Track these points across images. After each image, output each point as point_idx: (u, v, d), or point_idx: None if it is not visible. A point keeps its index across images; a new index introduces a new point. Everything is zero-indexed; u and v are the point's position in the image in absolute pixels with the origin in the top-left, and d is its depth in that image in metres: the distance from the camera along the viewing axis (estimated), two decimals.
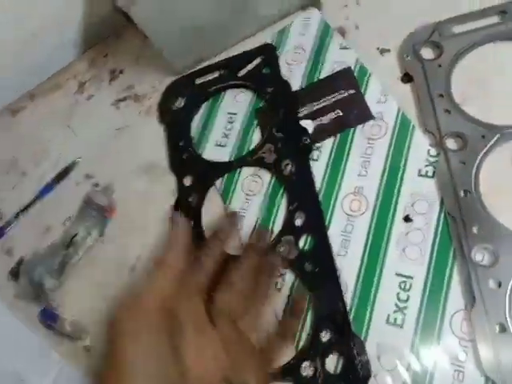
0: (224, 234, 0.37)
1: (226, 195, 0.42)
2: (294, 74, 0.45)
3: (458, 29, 0.41)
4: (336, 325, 0.34)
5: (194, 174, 0.44)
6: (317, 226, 0.38)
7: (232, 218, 0.40)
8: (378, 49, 0.44)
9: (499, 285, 0.32)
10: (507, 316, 0.31)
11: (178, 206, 0.43)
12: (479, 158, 0.36)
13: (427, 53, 0.42)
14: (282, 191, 0.41)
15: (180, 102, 0.48)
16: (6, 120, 0.57)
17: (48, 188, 0.49)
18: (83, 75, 0.57)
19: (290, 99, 0.44)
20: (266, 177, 0.42)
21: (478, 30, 0.41)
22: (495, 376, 0.30)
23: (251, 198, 0.41)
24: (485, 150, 0.36)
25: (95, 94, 0.55)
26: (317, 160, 0.41)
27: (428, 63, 0.41)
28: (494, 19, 0.41)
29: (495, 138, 0.36)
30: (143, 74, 0.53)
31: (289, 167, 0.41)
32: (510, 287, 0.32)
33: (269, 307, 0.36)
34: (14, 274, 0.44)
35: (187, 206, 0.42)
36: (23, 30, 0.54)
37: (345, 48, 0.45)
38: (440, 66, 0.40)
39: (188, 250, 0.33)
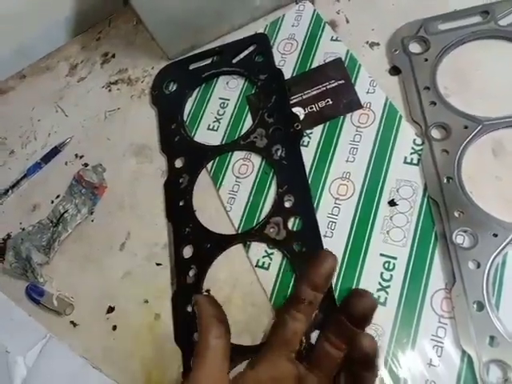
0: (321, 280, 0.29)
1: (216, 177, 0.43)
2: (287, 63, 0.47)
3: (443, 26, 0.43)
4: (323, 303, 0.35)
5: (186, 156, 0.44)
6: (305, 208, 0.39)
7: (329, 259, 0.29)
8: (367, 42, 0.45)
9: (478, 266, 0.34)
10: (484, 295, 0.33)
11: (169, 185, 0.43)
12: (462, 147, 0.38)
13: (414, 47, 0.43)
14: (272, 174, 0.42)
15: (172, 87, 0.49)
16: None
17: (36, 166, 0.48)
18: (75, 58, 0.57)
19: (282, 87, 0.45)
20: (257, 160, 0.43)
21: (463, 28, 0.43)
22: (471, 350, 0.31)
23: (241, 180, 0.42)
24: (467, 140, 0.38)
25: (87, 76, 0.55)
26: (307, 146, 0.42)
27: (415, 57, 0.43)
28: (477, 19, 0.43)
29: (477, 129, 0.38)
30: (136, 58, 0.54)
31: (279, 152, 0.42)
32: (487, 268, 0.34)
33: None
34: (0, 250, 0.43)
35: (178, 186, 0.43)
36: (13, 9, 0.54)
37: (336, 40, 0.46)
38: (426, 60, 0.42)
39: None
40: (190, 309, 0.38)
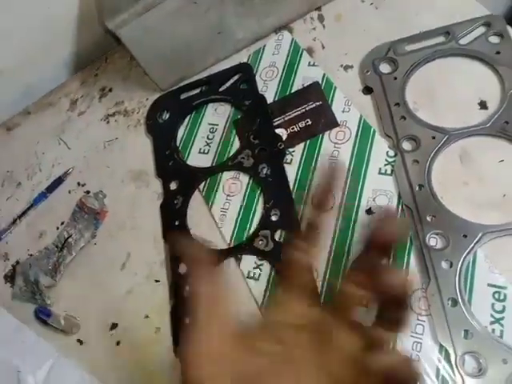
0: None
1: (208, 197, 0.46)
2: (269, 89, 0.51)
3: (410, 47, 0.47)
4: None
5: (179, 179, 0.48)
6: (290, 220, 0.42)
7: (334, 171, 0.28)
8: (341, 65, 0.49)
9: (450, 265, 0.36)
10: (457, 292, 0.35)
11: (165, 207, 0.46)
12: (431, 156, 0.41)
13: (384, 68, 0.47)
14: (259, 191, 0.45)
15: (165, 115, 0.53)
16: (2, 136, 0.61)
17: (42, 196, 0.52)
18: (75, 94, 0.61)
19: (266, 111, 0.49)
20: (245, 179, 0.46)
21: (427, 47, 0.46)
22: (448, 344, 0.34)
23: (231, 198, 0.45)
24: (435, 150, 0.41)
25: (86, 110, 0.59)
26: (290, 163, 0.45)
27: (385, 77, 0.46)
28: (440, 39, 0.46)
29: (444, 139, 0.41)
30: (131, 91, 0.58)
31: (265, 170, 0.45)
32: (459, 267, 0.36)
33: None
34: (10, 276, 0.46)
35: (173, 207, 0.46)
36: (18, 55, 0.59)
37: (313, 65, 0.50)
38: (396, 78, 0.46)
39: None
40: (188, 321, 0.40)
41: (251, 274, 0.41)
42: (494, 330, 0.34)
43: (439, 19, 0.47)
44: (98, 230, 0.48)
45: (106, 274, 0.46)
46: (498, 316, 0.34)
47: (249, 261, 0.42)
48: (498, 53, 0.44)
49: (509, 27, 0.45)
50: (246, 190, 0.45)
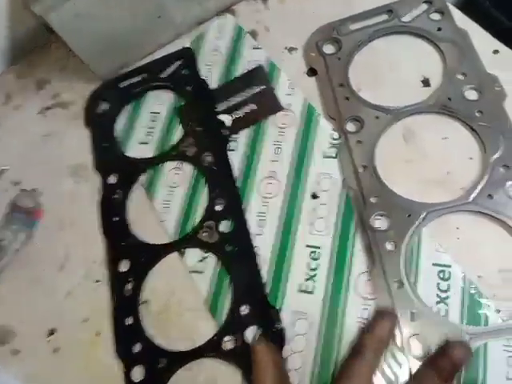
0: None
1: (149, 189, 0.44)
2: (213, 74, 0.48)
3: (353, 26, 0.46)
4: (254, 299, 0.36)
5: (118, 172, 0.45)
6: (235, 210, 0.40)
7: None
8: (286, 48, 0.48)
9: (395, 246, 0.36)
10: (403, 273, 0.35)
11: (103, 202, 0.44)
12: (374, 136, 0.40)
13: (328, 49, 0.46)
14: (203, 181, 0.43)
15: (105, 106, 0.50)
16: None
17: None
18: (10, 87, 0.57)
19: (208, 96, 0.47)
20: (188, 169, 0.44)
21: (371, 26, 0.45)
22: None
23: (174, 189, 0.43)
24: (379, 130, 0.40)
25: (22, 103, 0.55)
26: (234, 150, 0.43)
27: (329, 57, 0.45)
28: (383, 17, 0.46)
29: (387, 119, 0.40)
30: (69, 82, 0.54)
31: (209, 158, 0.43)
32: (404, 247, 0.35)
33: None
34: None
35: (112, 202, 0.44)
36: None
37: (257, 48, 0.48)
38: (339, 59, 0.45)
39: None
40: (129, 321, 0.38)
41: (195, 268, 0.39)
42: (439, 310, 0.33)
43: None
44: (34, 230, 0.45)
45: (44, 276, 0.43)
46: (443, 295, 0.34)
47: (193, 254, 0.40)
48: (439, 29, 0.43)
49: (449, 4, 0.44)
50: (189, 181, 0.43)
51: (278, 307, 0.36)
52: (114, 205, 0.43)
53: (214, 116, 0.45)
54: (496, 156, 0.37)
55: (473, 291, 0.33)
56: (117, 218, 0.43)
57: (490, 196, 0.36)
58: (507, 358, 0.31)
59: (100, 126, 0.49)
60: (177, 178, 0.44)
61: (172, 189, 0.43)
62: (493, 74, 0.40)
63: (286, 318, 0.35)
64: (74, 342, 0.39)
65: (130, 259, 0.40)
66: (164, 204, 0.43)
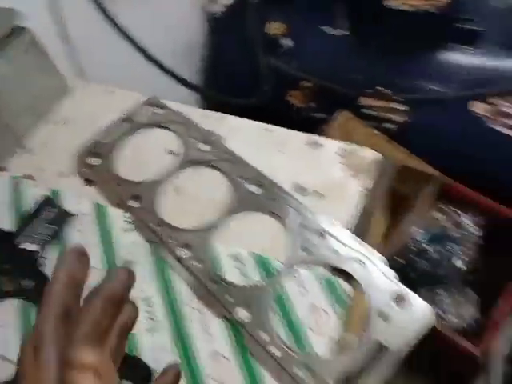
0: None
1: None
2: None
3: (107, 139, 0.58)
4: None
5: None
6: None
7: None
8: (59, 174, 0.56)
9: None
10: None
11: None
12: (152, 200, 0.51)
13: (94, 161, 0.57)
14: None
15: None
16: None
17: None
18: None
19: None
20: None
21: (118, 134, 0.59)
22: None
23: None
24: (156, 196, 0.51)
25: None
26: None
27: (95, 168, 0.56)
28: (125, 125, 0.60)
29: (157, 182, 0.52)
30: None
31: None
32: None
33: None
34: None
35: None
36: None
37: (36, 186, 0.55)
38: (103, 164, 0.56)
39: None
40: None
41: None
42: None
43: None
44: None
45: None
46: None
47: None
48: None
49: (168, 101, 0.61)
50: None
51: None
52: None
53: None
54: None
55: None
56: None
57: None
58: None
59: None
60: None
61: None
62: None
63: None
64: None
65: None
66: None
